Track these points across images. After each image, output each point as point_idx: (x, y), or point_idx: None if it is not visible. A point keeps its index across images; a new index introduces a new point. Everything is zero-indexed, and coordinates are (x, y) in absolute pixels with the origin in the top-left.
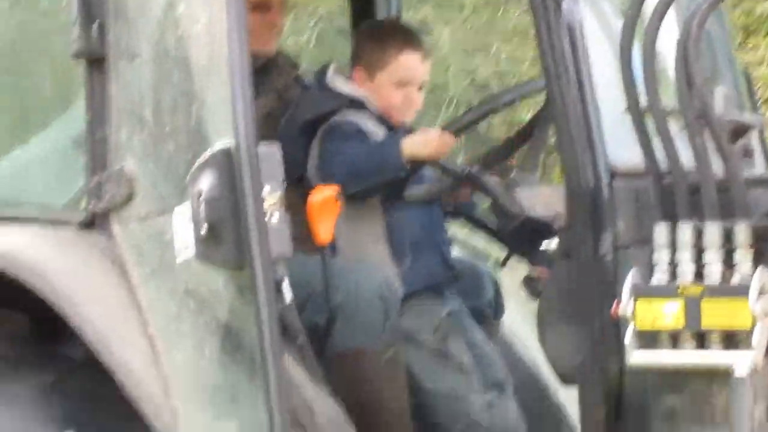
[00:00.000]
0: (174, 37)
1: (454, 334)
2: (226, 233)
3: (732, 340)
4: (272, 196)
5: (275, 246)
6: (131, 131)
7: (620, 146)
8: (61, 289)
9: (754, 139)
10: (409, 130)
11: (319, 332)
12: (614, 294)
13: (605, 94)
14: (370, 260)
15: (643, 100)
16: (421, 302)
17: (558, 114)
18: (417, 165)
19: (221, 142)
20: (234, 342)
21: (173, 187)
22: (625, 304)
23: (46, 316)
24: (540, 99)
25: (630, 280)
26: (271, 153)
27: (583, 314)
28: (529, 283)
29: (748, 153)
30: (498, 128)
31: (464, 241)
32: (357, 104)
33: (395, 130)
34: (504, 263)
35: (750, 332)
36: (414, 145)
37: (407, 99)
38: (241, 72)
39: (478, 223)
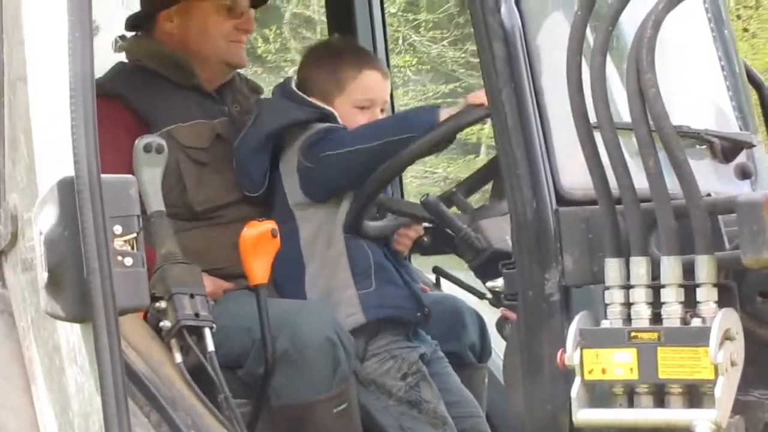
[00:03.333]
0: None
1: (426, 380)
2: (66, 280)
3: (694, 394)
4: (126, 236)
5: (125, 295)
6: (15, 163)
7: (573, 169)
8: None
9: (754, 159)
10: None
11: (260, 384)
12: (562, 341)
13: (556, 109)
14: (329, 285)
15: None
16: (389, 345)
17: (500, 132)
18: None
19: (62, 172)
20: (87, 406)
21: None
22: (570, 353)
23: None
24: None
25: (576, 324)
26: (123, 184)
27: (531, 364)
28: (500, 324)
29: (745, 174)
30: None
31: (454, 277)
32: (327, 119)
33: None
34: (483, 297)
35: (713, 385)
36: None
37: (371, 120)
38: (82, 91)
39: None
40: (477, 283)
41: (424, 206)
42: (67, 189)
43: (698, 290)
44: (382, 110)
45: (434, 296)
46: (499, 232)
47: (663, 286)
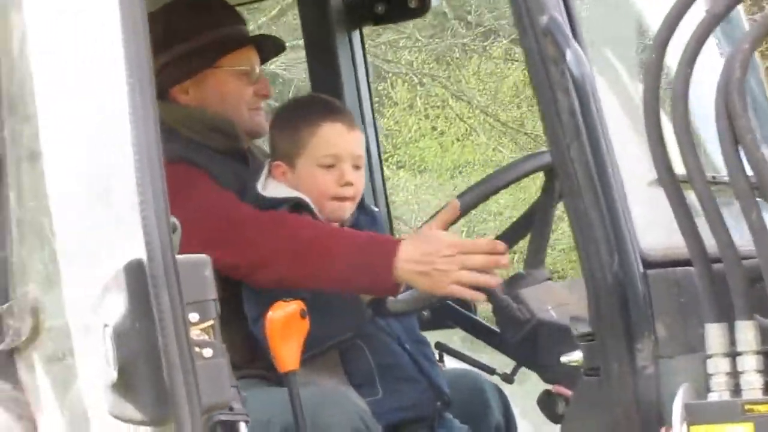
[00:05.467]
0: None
1: None
2: (140, 378)
3: None
4: (203, 323)
5: (207, 392)
6: (32, 249)
7: (647, 228)
8: None
9: None
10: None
11: None
12: (660, 417)
13: (626, 163)
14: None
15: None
16: None
17: (570, 191)
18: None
19: (129, 255)
20: None
21: (80, 318)
22: (677, 431)
23: None
24: None
25: (680, 399)
26: (197, 265)
27: None
28: (546, 402)
29: None
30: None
31: (460, 353)
32: (297, 209)
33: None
34: (511, 378)
35: None
36: (410, 265)
37: (342, 179)
38: (149, 163)
39: (476, 329)
40: (483, 359)
41: None
42: (136, 274)
43: None
44: (356, 167)
45: (452, 373)
46: (539, 301)
47: None
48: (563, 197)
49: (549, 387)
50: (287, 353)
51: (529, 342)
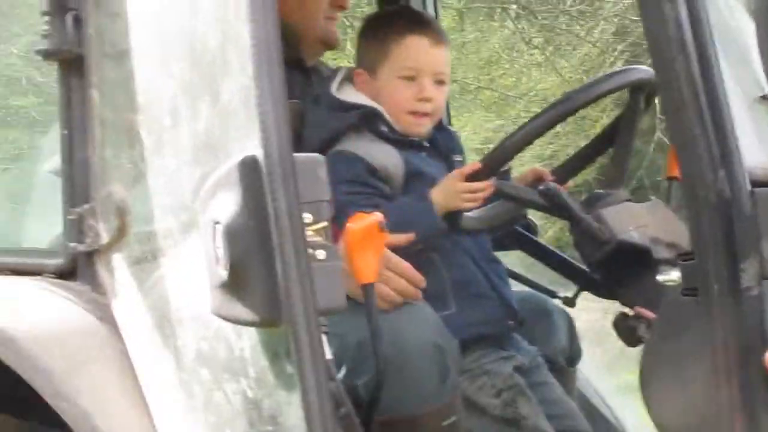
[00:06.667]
0: (173, 24)
1: (524, 394)
2: (253, 277)
3: None
4: (316, 224)
5: (322, 294)
6: (119, 148)
7: (751, 146)
8: (34, 360)
9: None
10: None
11: (361, 397)
12: (764, 339)
13: (731, 77)
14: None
15: None
16: (480, 360)
17: (673, 106)
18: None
19: (243, 151)
20: (267, 425)
21: (177, 217)
22: None
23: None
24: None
25: None
26: (314, 164)
27: (720, 367)
28: (624, 325)
29: None
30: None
31: (522, 276)
32: (368, 118)
33: (414, 152)
34: (573, 302)
35: None
36: (443, 200)
37: (420, 94)
38: (268, 58)
39: (539, 252)
40: (546, 282)
41: (544, 195)
42: (251, 171)
43: None
44: (441, 82)
45: (518, 295)
46: (619, 222)
47: None
48: (665, 113)
49: (626, 310)
50: (365, 265)
51: (609, 264)
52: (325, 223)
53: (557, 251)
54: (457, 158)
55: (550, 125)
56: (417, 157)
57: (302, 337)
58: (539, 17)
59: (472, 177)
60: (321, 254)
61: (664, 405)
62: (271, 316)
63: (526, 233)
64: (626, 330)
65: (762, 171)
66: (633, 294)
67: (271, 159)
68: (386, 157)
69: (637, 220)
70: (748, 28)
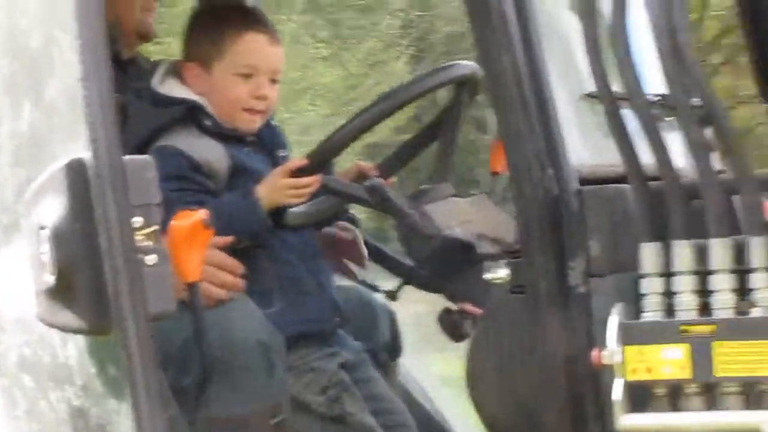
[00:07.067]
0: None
1: (349, 390)
2: (80, 283)
3: (755, 394)
4: (146, 228)
5: (153, 300)
6: None
7: (576, 144)
8: None
9: None
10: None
11: (187, 397)
12: (590, 337)
13: (557, 77)
14: None
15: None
16: (305, 357)
17: (500, 103)
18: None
19: (69, 153)
20: None
21: (4, 220)
22: (611, 351)
23: None
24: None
25: (615, 318)
26: (143, 167)
27: (547, 365)
28: (450, 321)
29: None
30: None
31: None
32: (192, 112)
33: (239, 147)
34: (395, 295)
35: None
36: (268, 196)
37: (257, 91)
38: (95, 58)
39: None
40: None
41: (370, 191)
42: (78, 174)
43: (752, 276)
44: (273, 81)
45: (342, 289)
46: (444, 217)
47: (712, 273)
48: (494, 110)
49: (450, 305)
50: (190, 263)
51: (433, 259)
52: (155, 227)
53: (379, 245)
54: (282, 153)
55: (376, 121)
56: (242, 152)
57: (133, 345)
58: (325, 11)
59: (298, 172)
60: (151, 259)
61: (490, 402)
62: (99, 323)
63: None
64: (451, 325)
65: (588, 169)
66: (458, 290)
67: (100, 161)
68: (210, 153)
69: (462, 216)
70: (572, 27)
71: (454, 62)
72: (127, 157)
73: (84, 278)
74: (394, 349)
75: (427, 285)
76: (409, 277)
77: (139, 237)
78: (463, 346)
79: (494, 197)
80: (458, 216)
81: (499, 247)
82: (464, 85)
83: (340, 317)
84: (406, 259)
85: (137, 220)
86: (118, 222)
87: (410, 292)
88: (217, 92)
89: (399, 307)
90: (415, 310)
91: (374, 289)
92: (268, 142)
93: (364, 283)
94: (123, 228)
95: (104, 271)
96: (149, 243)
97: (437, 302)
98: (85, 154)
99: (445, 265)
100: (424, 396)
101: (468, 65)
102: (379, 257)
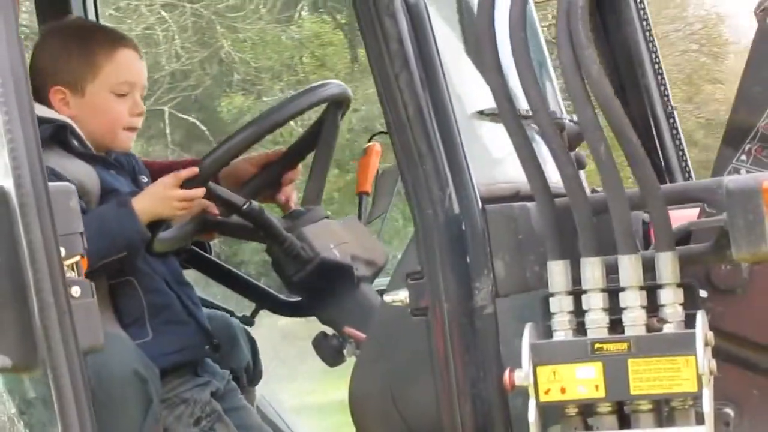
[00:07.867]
0: None
1: (222, 420)
2: (5, 319)
3: (669, 411)
4: (70, 259)
5: (82, 333)
6: None
7: (477, 163)
8: None
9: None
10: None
11: None
12: (498, 358)
13: (458, 94)
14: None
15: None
16: (176, 386)
17: (397, 124)
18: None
19: None
20: None
21: None
22: (525, 372)
23: None
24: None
25: (527, 338)
26: (66, 195)
27: (453, 387)
28: (328, 345)
29: (580, 164)
30: None
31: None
32: (60, 132)
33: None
34: (251, 321)
35: (696, 399)
36: (150, 206)
37: (135, 108)
38: (16, 85)
39: (214, 270)
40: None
41: (246, 215)
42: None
43: (661, 292)
44: (142, 97)
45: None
46: (321, 239)
47: (622, 290)
48: (389, 131)
49: (325, 329)
50: None
51: (310, 282)
52: (78, 257)
53: (233, 269)
54: (144, 180)
55: (257, 139)
56: (108, 174)
57: (64, 382)
58: None
59: (187, 184)
60: (76, 291)
61: (378, 426)
62: (26, 360)
63: (201, 252)
64: (329, 350)
65: (487, 188)
66: (336, 313)
67: (23, 190)
68: (81, 173)
69: (337, 238)
70: (467, 43)
71: (327, 81)
72: (51, 184)
73: (9, 314)
74: (254, 373)
75: (295, 310)
76: (263, 301)
77: (65, 266)
78: (316, 374)
79: (361, 218)
80: (334, 237)
81: (372, 269)
82: (337, 106)
83: (210, 345)
84: (257, 282)
85: (62, 251)
86: (45, 253)
87: (268, 316)
88: (92, 114)
89: (255, 331)
90: (273, 335)
91: (231, 313)
92: (127, 167)
93: (220, 307)
94: (50, 259)
95: (31, 306)
96: (72, 274)
97: (295, 326)
98: (7, 182)
99: (321, 288)
100: (282, 421)
101: (339, 84)
102: (232, 281)
